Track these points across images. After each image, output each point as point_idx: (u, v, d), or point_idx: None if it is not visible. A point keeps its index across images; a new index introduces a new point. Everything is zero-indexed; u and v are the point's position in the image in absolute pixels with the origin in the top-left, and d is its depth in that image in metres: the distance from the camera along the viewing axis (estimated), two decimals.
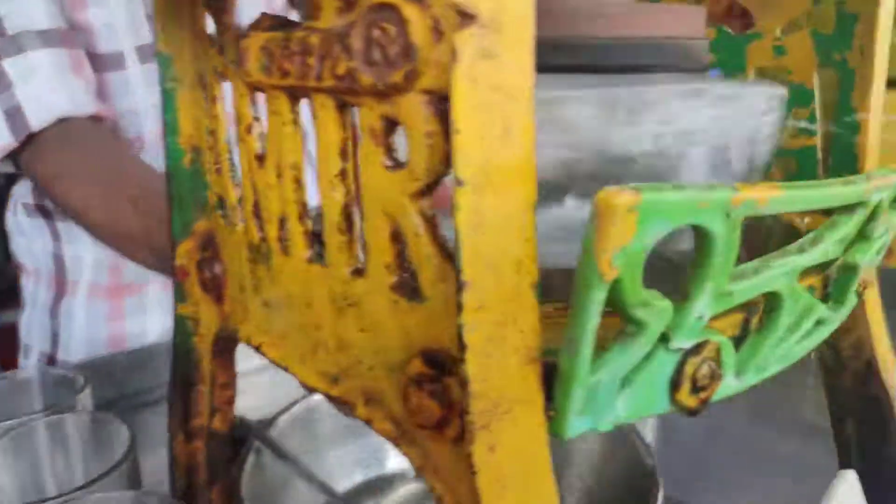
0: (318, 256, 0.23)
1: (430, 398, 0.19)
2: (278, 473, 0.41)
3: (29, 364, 0.69)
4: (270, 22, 0.21)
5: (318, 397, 0.44)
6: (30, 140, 0.54)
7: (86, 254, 0.66)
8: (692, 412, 0.22)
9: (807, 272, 0.26)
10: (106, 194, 0.52)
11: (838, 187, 0.21)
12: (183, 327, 0.32)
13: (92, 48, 0.59)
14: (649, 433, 0.52)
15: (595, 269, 0.17)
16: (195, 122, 0.29)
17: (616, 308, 0.19)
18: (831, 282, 0.27)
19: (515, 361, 0.18)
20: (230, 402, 0.34)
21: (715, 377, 0.21)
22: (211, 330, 0.32)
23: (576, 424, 0.19)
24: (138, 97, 0.62)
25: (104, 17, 0.59)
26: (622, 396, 0.20)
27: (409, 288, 0.20)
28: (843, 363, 0.35)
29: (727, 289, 0.20)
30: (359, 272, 0.21)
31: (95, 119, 0.56)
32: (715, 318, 0.23)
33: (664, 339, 0.20)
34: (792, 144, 0.36)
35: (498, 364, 0.18)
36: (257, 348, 0.26)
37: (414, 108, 0.18)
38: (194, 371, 0.34)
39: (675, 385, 0.21)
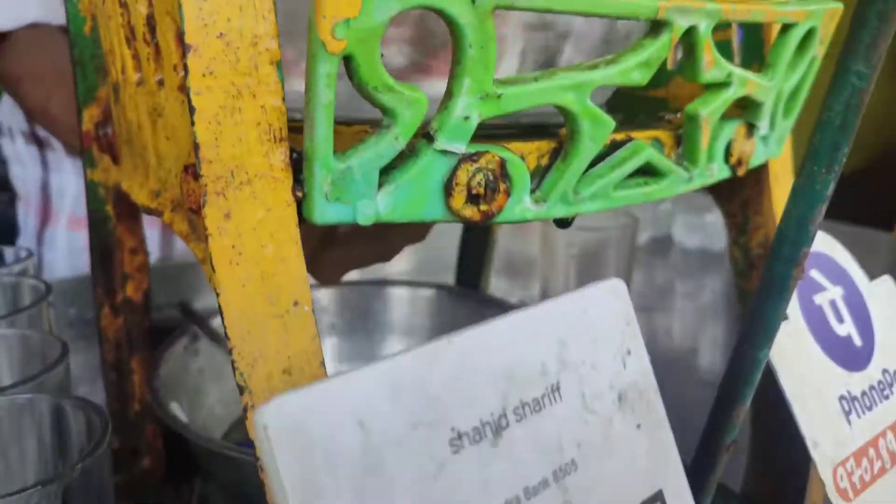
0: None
1: (194, 180, 0.20)
2: (213, 362, 0.43)
3: None
4: None
5: None
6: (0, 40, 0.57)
7: (69, 184, 0.71)
8: (476, 224, 0.22)
9: (653, 125, 0.26)
10: (68, 92, 0.55)
11: None
12: (95, 195, 0.34)
13: None
14: None
15: (317, 39, 0.18)
16: None
17: (362, 93, 0.19)
18: (682, 139, 0.26)
19: (255, 136, 0.19)
20: (141, 268, 0.36)
21: (496, 189, 0.21)
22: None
23: (327, 211, 0.20)
24: None
25: None
26: (384, 193, 0.20)
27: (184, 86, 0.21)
28: (753, 263, 0.34)
29: (493, 91, 0.20)
30: (161, 83, 0.22)
31: (67, 28, 0.59)
32: (521, 141, 0.23)
33: (430, 139, 0.20)
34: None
35: (232, 133, 0.19)
36: (129, 193, 0.28)
37: None
38: (112, 240, 0.36)
39: (447, 191, 0.21)
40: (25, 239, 0.75)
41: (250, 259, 0.19)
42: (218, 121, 0.19)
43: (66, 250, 0.72)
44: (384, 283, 0.50)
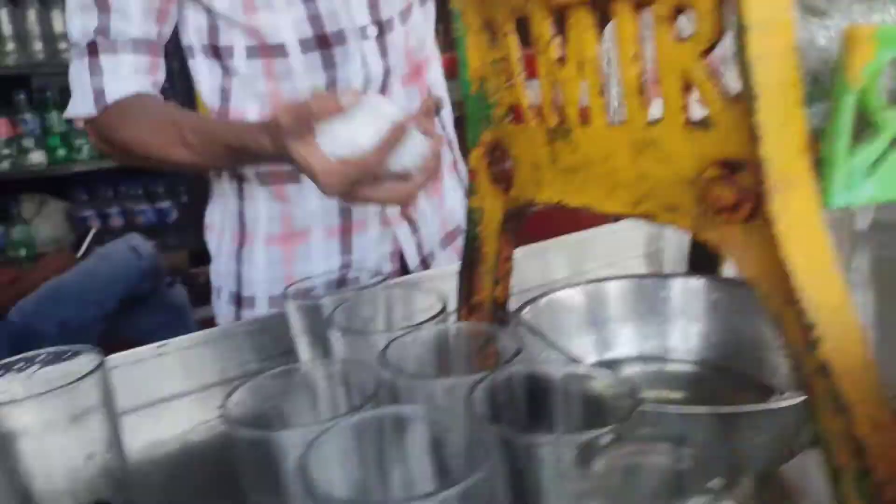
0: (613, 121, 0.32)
1: (727, 188, 0.28)
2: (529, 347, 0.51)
3: (221, 301, 0.88)
4: None
5: (561, 293, 0.54)
6: (104, 110, 0.77)
7: (262, 210, 0.84)
8: None
9: None
10: (158, 133, 0.75)
11: None
12: (472, 218, 0.43)
13: (260, 40, 0.78)
14: None
15: (845, 78, 0.26)
16: (480, 58, 0.39)
17: (864, 113, 0.27)
18: None
19: (794, 149, 0.27)
20: (508, 274, 0.44)
21: None
22: (495, 216, 0.42)
23: (838, 198, 0.28)
24: (297, 81, 0.79)
25: (270, 20, 0.77)
26: (870, 181, 0.28)
27: (699, 121, 0.29)
28: None
29: None
30: (654, 122, 0.30)
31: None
32: None
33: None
34: None
35: (780, 154, 0.26)
36: (559, 203, 0.36)
37: None
38: (477, 255, 0.44)
39: None
40: (221, 261, 0.88)
41: (802, 254, 0.27)
42: (773, 144, 0.26)
43: (263, 263, 0.85)
44: (666, 276, 0.59)
